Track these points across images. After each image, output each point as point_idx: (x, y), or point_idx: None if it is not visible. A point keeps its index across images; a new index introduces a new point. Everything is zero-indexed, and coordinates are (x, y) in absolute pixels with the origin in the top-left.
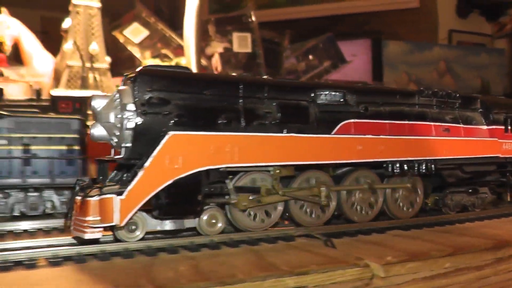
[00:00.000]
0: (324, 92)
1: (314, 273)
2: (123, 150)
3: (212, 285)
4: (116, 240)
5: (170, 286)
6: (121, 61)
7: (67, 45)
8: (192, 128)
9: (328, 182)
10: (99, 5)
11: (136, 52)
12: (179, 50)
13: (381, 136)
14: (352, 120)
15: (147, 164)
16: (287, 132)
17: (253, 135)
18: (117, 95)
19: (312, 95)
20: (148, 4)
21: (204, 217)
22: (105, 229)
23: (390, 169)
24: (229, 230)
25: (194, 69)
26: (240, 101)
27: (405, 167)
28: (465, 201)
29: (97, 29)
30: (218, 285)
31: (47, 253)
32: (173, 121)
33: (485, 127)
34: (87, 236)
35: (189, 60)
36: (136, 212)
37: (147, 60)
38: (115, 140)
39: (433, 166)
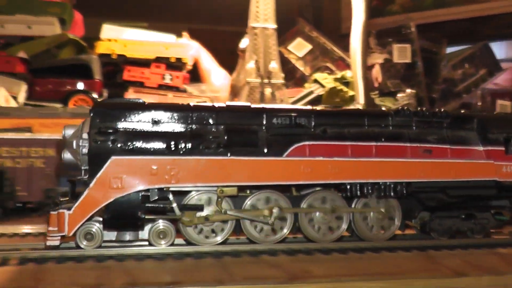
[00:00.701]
0: (275, 116)
1: None
2: (83, 172)
3: (455, 276)
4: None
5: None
6: (283, 73)
7: (250, 65)
8: (137, 153)
9: (281, 202)
10: (274, 26)
11: (299, 65)
12: (339, 62)
13: (331, 158)
14: (306, 143)
15: (91, 184)
16: (232, 155)
17: (191, 158)
18: (81, 126)
19: (263, 119)
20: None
21: (155, 230)
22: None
23: (348, 191)
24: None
25: (360, 82)
26: (188, 127)
27: (368, 189)
28: (460, 227)
29: (274, 48)
30: (456, 277)
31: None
32: (120, 147)
33: (481, 148)
34: (48, 243)
35: (355, 73)
36: (83, 224)
37: (317, 74)
38: (79, 163)
39: (404, 189)
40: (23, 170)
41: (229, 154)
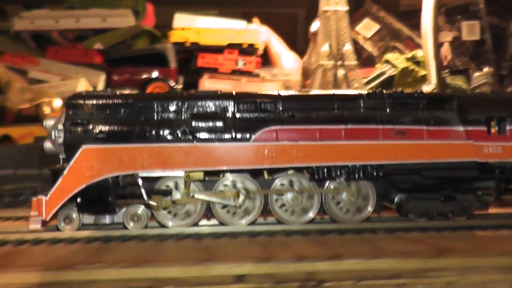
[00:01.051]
0: (242, 102)
1: None
2: (61, 161)
3: None
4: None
5: None
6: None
7: (324, 47)
8: (109, 142)
9: (249, 186)
10: (346, 8)
11: (368, 46)
12: (407, 42)
13: (295, 142)
14: (273, 127)
15: (64, 172)
16: (197, 142)
17: (157, 145)
18: (59, 117)
19: (230, 105)
20: None
21: (128, 214)
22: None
23: (316, 174)
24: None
25: (432, 61)
26: (156, 116)
27: (336, 172)
28: (438, 209)
29: (346, 30)
30: None
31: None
32: (92, 137)
33: (461, 128)
34: (31, 226)
35: (427, 52)
36: (64, 209)
37: (389, 55)
38: (58, 153)
39: (374, 171)
40: None
41: (194, 141)
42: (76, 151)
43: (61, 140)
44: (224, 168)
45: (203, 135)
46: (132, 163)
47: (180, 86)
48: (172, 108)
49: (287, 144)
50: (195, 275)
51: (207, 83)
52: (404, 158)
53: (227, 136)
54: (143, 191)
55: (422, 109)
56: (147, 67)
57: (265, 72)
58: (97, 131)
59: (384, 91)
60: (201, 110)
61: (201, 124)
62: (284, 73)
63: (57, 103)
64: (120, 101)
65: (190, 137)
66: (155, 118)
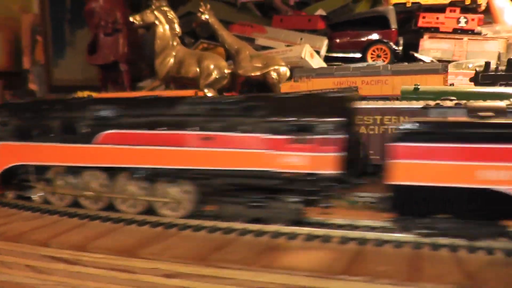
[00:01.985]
0: (88, 109)
1: None
2: None
3: None
4: None
5: None
6: None
7: None
8: (16, 140)
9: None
10: None
11: None
12: None
13: (105, 145)
14: (110, 131)
15: None
16: (52, 142)
17: (34, 143)
18: None
19: (83, 111)
20: None
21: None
22: None
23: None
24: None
25: None
26: (39, 118)
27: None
28: (248, 214)
29: None
30: None
31: None
32: (10, 136)
33: (263, 136)
34: None
35: None
36: None
37: None
38: None
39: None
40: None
41: (51, 141)
42: None
43: None
44: (63, 164)
45: (61, 136)
46: (25, 156)
47: (400, 48)
48: (44, 112)
49: (99, 147)
50: None
51: (427, 43)
52: (194, 164)
53: (78, 138)
54: (32, 177)
55: (236, 115)
56: (368, 30)
57: (487, 29)
58: (13, 132)
59: (202, 96)
60: (62, 115)
61: (60, 127)
62: (507, 30)
63: (283, 69)
64: (25, 107)
65: (52, 138)
66: (40, 120)
